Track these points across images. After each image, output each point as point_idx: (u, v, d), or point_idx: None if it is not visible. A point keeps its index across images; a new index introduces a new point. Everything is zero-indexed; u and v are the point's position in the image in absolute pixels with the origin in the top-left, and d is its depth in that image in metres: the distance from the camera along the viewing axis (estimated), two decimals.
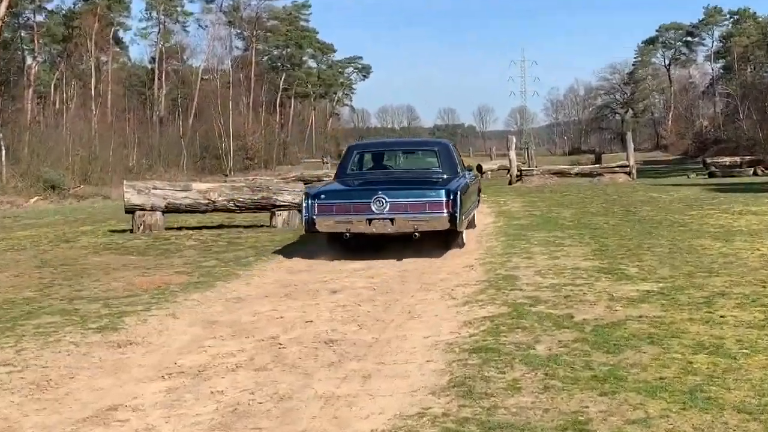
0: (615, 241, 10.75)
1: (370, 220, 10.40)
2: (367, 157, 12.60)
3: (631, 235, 11.29)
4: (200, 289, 8.27)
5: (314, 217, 10.52)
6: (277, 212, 14.32)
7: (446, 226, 10.34)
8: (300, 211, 12.70)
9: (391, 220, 10.36)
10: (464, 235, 10.98)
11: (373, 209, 10.36)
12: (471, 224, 12.38)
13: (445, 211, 10.29)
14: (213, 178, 45.27)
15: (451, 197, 10.34)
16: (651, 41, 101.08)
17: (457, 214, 10.28)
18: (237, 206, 14.18)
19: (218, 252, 11.26)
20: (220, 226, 14.75)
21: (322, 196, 10.66)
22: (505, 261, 9.38)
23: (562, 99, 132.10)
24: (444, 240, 10.73)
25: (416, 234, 10.38)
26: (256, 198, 14.17)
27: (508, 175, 31.14)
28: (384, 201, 10.37)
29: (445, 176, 11.41)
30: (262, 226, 14.72)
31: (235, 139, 63.33)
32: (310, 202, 10.58)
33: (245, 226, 14.72)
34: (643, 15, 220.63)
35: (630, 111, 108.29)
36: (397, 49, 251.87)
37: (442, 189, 10.50)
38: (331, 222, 10.53)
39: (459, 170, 11.96)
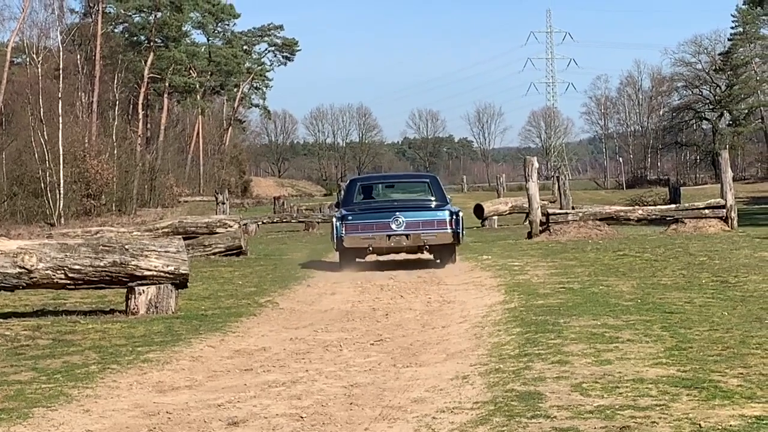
0: (703, 332, 10.85)
1: (389, 236, 20.62)
2: (368, 188, 23.54)
3: (729, 324, 11.39)
4: (5, 422, 8.15)
5: (342, 235, 20.49)
6: (138, 288, 14.23)
7: (450, 240, 20.69)
8: (176, 285, 14.44)
9: (407, 235, 20.61)
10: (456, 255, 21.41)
11: (393, 227, 20.58)
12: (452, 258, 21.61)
13: (449, 228, 20.65)
14: (30, 230, 44.86)
15: (454, 216, 20.79)
16: (759, 0, 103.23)
17: (460, 230, 20.72)
18: (70, 278, 14.06)
19: (37, 357, 11.12)
20: (41, 312, 14.55)
21: (350, 217, 20.78)
22: (522, 368, 9.41)
23: (615, 96, 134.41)
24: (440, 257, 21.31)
25: (426, 247, 20.80)
26: (102, 264, 14.08)
27: (527, 223, 31.37)
28: (401, 220, 20.60)
29: (437, 203, 21.74)
30: (111, 311, 14.52)
31: (68, 163, 63.05)
32: (339, 223, 20.56)
33: (84, 311, 14.52)
34: None
35: (726, 116, 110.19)
36: (340, 17, 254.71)
37: (446, 210, 21.10)
38: (357, 238, 20.58)
39: (448, 199, 22.29)
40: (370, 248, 20.99)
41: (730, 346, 9.99)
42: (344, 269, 20.95)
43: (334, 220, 21.33)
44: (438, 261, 21.55)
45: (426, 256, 22.02)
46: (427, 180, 23.76)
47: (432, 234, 20.72)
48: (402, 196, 23.75)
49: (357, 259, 21.42)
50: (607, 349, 10.09)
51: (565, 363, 9.52)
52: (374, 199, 23.08)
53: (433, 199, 22.06)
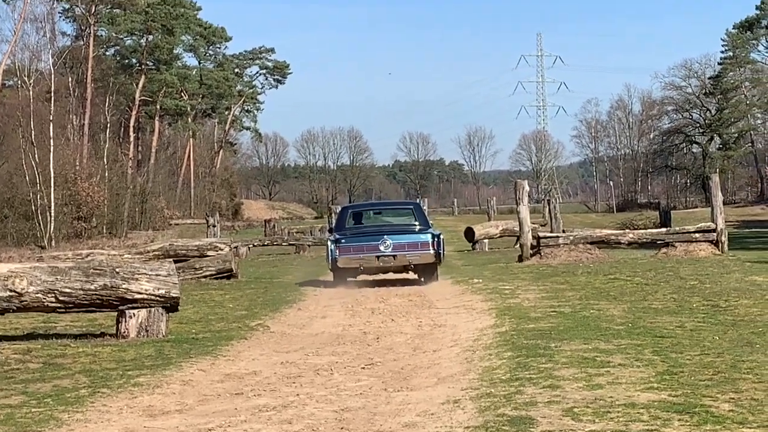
0: (694, 357, 10.85)
1: (378, 257, 22.91)
2: (359, 214, 26.14)
3: (720, 348, 11.41)
4: None
5: (336, 256, 22.80)
6: (128, 311, 14.19)
7: (433, 260, 22.99)
8: (166, 309, 14.40)
9: (394, 256, 22.89)
10: (437, 273, 23.58)
11: (381, 249, 22.84)
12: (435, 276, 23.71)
13: (431, 249, 22.90)
14: (20, 253, 44.76)
15: (435, 239, 23.12)
16: (748, 25, 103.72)
17: (441, 251, 23.10)
18: (61, 301, 14.02)
19: (27, 381, 11.07)
20: (31, 336, 14.51)
21: (343, 240, 23.17)
22: (513, 392, 9.39)
23: (605, 120, 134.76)
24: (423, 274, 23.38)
25: (411, 267, 23.14)
26: (92, 288, 14.05)
27: (518, 246, 31.37)
28: (389, 242, 22.85)
29: (421, 227, 24.21)
30: (102, 334, 14.48)
31: (58, 186, 62.99)
32: (333, 246, 22.96)
33: (74, 335, 14.47)
34: None
35: (716, 139, 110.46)
36: (331, 40, 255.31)
37: (429, 233, 23.47)
38: (349, 259, 22.82)
39: (430, 223, 25.14)
40: (361, 268, 23.27)
41: (722, 371, 9.99)
42: (338, 287, 22.82)
43: (328, 243, 23.81)
44: (422, 279, 23.51)
45: (411, 275, 24.05)
46: (411, 207, 27.13)
47: (416, 255, 23.13)
48: (389, 221, 26.13)
49: (349, 279, 23.49)
50: (598, 374, 10.09)
51: (557, 387, 9.51)
52: (364, 224, 25.38)
53: (417, 223, 24.67)
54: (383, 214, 27.54)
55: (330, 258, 23.30)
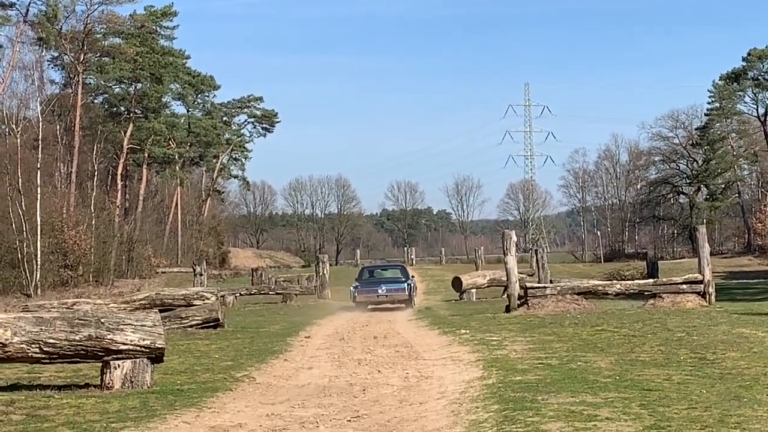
0: (681, 411, 10.83)
1: (378, 296, 41.08)
2: (371, 270, 46.83)
3: (708, 402, 11.39)
4: None
5: (356, 295, 40.68)
6: (113, 362, 14.13)
7: (407, 297, 40.79)
8: (151, 359, 14.36)
9: (386, 295, 41.04)
10: (414, 302, 41.25)
11: (379, 292, 40.94)
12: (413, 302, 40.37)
13: (406, 292, 41.04)
14: (6, 301, 44.66)
15: (409, 286, 41.81)
16: (735, 76, 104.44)
17: (413, 294, 41.80)
18: (45, 352, 13.95)
19: None
20: (15, 387, 14.44)
21: (359, 286, 41.47)
22: None
23: (592, 170, 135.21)
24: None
25: (397, 301, 40.50)
26: (77, 338, 13.98)
27: (506, 296, 31.37)
28: (384, 287, 41.16)
29: (403, 278, 42.68)
30: (86, 385, 14.43)
31: (45, 234, 62.93)
32: (354, 289, 41.20)
33: (58, 386, 14.41)
34: (721, 33, 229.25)
35: (703, 190, 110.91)
36: (320, 89, 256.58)
37: (404, 283, 42.05)
38: (362, 296, 40.84)
39: (410, 276, 44.18)
40: (369, 302, 39.12)
41: (709, 425, 9.98)
42: (358, 310, 37.44)
43: (351, 288, 40.37)
44: (403, 305, 38.65)
45: (397, 305, 38.65)
46: (399, 267, 46.33)
47: (398, 294, 39.52)
48: (385, 275, 43.18)
49: (368, 306, 39.08)
50: (585, 428, 10.07)
51: None
52: (373, 276, 42.77)
53: (402, 277, 41.17)
54: (384, 271, 45.09)
55: (352, 295, 39.50)
